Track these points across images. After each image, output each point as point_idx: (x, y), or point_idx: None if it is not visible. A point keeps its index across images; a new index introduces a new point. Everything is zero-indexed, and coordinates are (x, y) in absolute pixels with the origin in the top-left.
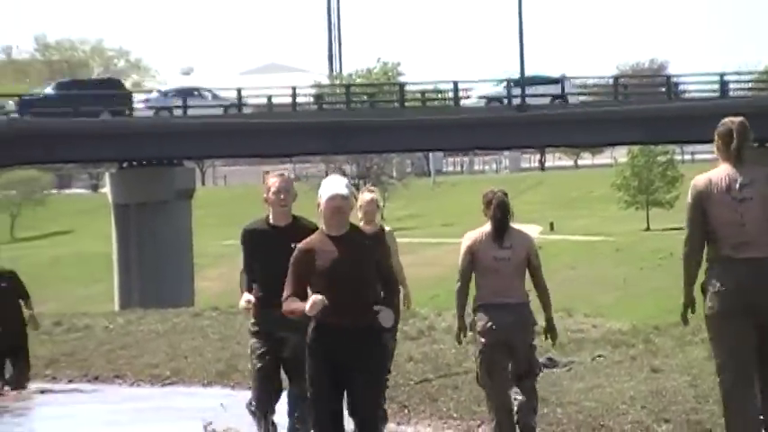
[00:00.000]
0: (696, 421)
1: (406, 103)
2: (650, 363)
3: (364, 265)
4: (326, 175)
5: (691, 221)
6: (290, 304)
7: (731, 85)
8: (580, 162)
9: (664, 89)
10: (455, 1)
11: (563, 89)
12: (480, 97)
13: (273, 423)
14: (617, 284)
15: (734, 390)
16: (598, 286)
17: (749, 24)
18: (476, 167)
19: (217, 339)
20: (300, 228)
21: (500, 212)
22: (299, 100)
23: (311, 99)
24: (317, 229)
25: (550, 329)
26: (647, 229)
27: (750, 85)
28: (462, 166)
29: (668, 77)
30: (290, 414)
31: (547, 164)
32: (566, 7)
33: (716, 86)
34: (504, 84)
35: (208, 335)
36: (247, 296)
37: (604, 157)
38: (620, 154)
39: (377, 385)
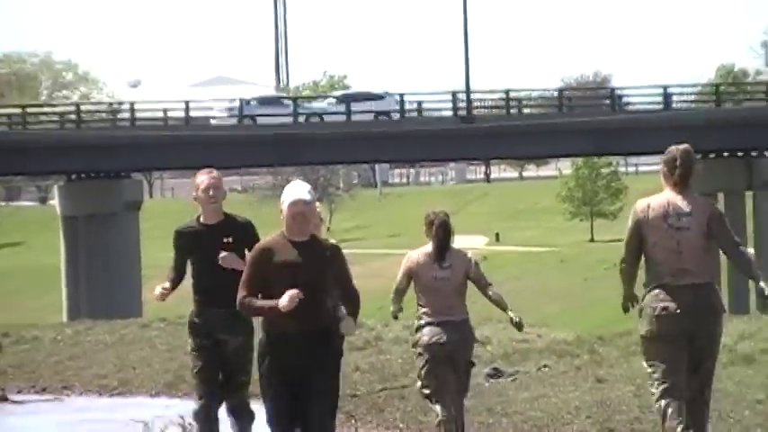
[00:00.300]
0: (640, 431)
1: (353, 117)
2: (595, 373)
3: (324, 273)
4: (273, 187)
5: (627, 245)
6: (254, 303)
7: (674, 98)
8: (525, 174)
9: (608, 101)
10: (402, 14)
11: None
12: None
13: (216, 418)
14: (562, 295)
15: (669, 405)
16: (543, 297)
17: (691, 37)
18: (422, 179)
19: (165, 350)
20: (233, 224)
21: (442, 233)
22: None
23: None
24: (250, 223)
25: (516, 324)
26: (592, 240)
27: (693, 97)
28: (408, 178)
29: (612, 90)
30: (233, 426)
31: (492, 175)
32: (511, 21)
33: (659, 99)
34: (329, 100)
35: (156, 345)
36: (166, 284)
37: (549, 169)
38: (565, 166)
39: (331, 395)
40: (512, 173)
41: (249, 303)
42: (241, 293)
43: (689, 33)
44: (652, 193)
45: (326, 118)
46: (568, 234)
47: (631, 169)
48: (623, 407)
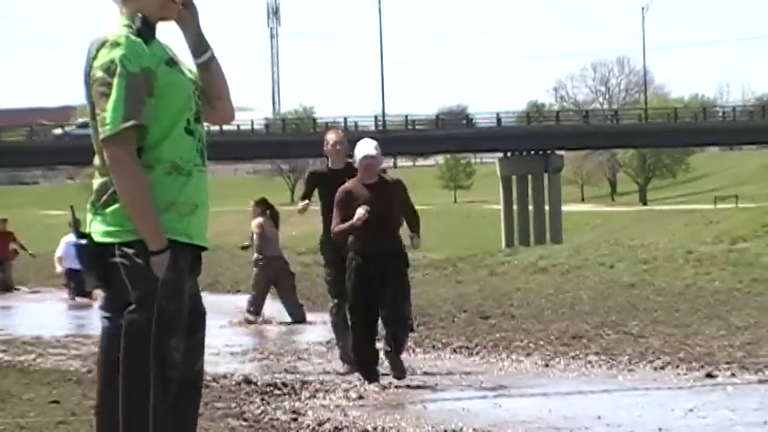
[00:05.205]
0: (481, 311)
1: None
2: (455, 278)
3: (392, 203)
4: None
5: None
6: (339, 227)
7: (503, 120)
8: (417, 163)
9: (465, 121)
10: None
11: None
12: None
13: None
14: (438, 234)
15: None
16: (428, 234)
17: (515, 81)
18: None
19: None
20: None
21: None
22: (255, 127)
23: (263, 127)
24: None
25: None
26: (455, 201)
27: (514, 119)
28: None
29: (467, 114)
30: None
31: (399, 164)
32: (404, 61)
33: (495, 120)
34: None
35: None
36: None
37: (430, 161)
38: (439, 158)
39: (405, 294)
40: (409, 162)
41: (337, 230)
42: (332, 225)
43: (515, 78)
44: (493, 173)
45: None
46: (440, 198)
47: (477, 161)
48: (471, 297)
